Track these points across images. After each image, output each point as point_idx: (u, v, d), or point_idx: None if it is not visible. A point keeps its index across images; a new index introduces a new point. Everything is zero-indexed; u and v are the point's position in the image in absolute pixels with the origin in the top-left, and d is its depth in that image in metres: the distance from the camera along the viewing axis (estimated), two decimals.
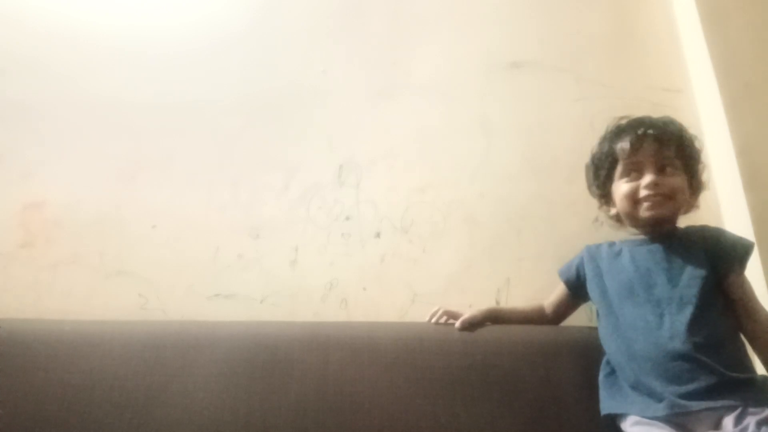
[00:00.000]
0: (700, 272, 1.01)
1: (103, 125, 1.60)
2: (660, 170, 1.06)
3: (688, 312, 0.97)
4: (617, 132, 1.13)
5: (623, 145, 1.09)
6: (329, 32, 1.69)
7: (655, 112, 1.47)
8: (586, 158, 1.25)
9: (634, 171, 1.08)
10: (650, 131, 1.07)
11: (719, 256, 1.03)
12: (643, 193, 1.06)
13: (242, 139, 1.58)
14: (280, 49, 1.67)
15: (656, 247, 1.08)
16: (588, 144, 1.25)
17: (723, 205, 1.40)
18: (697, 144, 1.12)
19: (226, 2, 1.74)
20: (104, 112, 1.61)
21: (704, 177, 1.14)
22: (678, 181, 1.06)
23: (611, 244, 1.17)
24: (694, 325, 0.96)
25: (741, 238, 1.08)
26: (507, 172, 1.50)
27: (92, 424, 1.07)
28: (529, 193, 1.48)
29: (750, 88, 1.40)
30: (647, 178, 1.05)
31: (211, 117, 1.60)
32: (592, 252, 1.18)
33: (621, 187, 1.10)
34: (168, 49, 1.69)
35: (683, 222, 1.14)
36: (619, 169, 1.11)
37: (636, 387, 0.98)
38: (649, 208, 1.06)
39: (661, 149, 1.06)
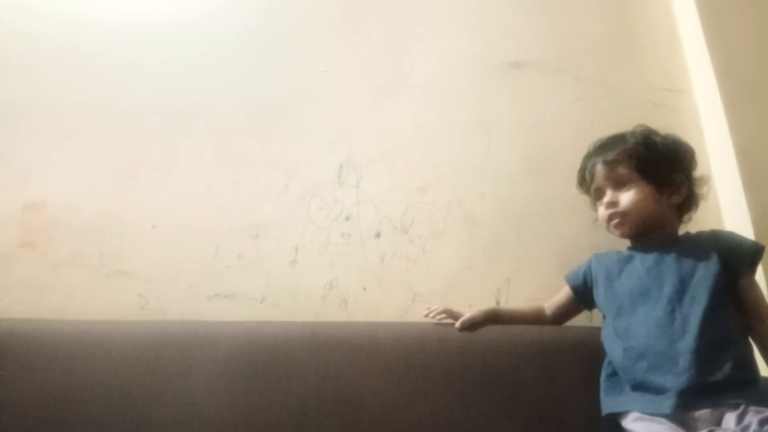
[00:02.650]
0: (711, 272, 1.02)
1: (103, 125, 1.59)
2: (617, 187, 1.14)
3: (698, 309, 0.99)
4: (581, 165, 1.23)
5: (584, 177, 1.21)
6: (329, 32, 1.69)
7: (655, 112, 1.50)
8: None
9: (600, 196, 1.18)
10: (598, 159, 1.17)
11: (731, 258, 1.05)
12: (605, 214, 1.15)
13: (242, 139, 1.58)
14: (280, 49, 1.67)
15: (667, 250, 1.09)
16: (588, 144, 1.25)
17: (723, 205, 1.40)
18: (660, 147, 1.14)
19: (225, 2, 1.74)
20: (104, 112, 1.61)
21: (682, 172, 1.15)
22: (632, 194, 1.11)
23: (620, 252, 1.18)
24: (704, 321, 0.97)
25: (753, 241, 1.10)
26: (507, 172, 1.50)
27: (92, 424, 1.07)
28: (529, 193, 1.48)
29: (750, 88, 1.40)
30: (604, 200, 1.15)
31: (211, 117, 1.60)
32: (601, 258, 1.20)
33: (597, 212, 1.20)
34: (168, 49, 1.69)
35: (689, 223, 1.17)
36: (591, 195, 1.22)
37: (639, 387, 0.98)
38: (615, 228, 1.15)
39: (612, 170, 1.14)
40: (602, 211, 1.17)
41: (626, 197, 1.12)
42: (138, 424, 1.07)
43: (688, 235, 1.15)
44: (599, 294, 1.16)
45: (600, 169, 1.16)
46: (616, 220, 1.14)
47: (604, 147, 1.19)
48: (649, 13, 1.64)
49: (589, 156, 1.21)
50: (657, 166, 1.12)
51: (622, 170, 1.13)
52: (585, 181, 1.22)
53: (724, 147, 1.37)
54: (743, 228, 1.27)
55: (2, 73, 1.65)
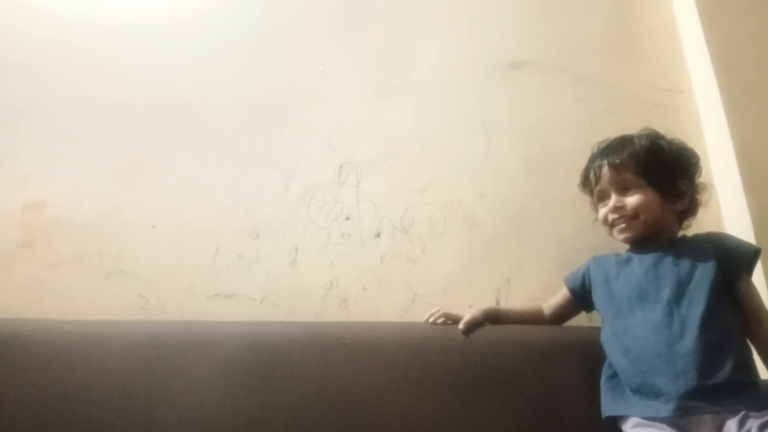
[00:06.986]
0: (709, 274, 1.02)
1: (103, 125, 1.59)
2: (622, 192, 1.14)
3: (697, 311, 0.98)
4: (586, 165, 1.23)
5: (588, 178, 1.20)
6: (329, 32, 1.69)
7: (655, 112, 1.50)
8: (585, 158, 1.25)
9: (603, 198, 1.18)
10: (604, 161, 1.16)
11: (728, 261, 1.05)
12: (610, 217, 1.15)
13: (242, 139, 1.58)
14: (280, 49, 1.67)
15: (665, 253, 1.09)
16: (588, 144, 1.25)
17: (723, 205, 1.40)
18: (667, 153, 1.15)
19: (225, 2, 1.74)
20: (104, 112, 1.61)
21: (687, 179, 1.15)
22: (639, 198, 1.11)
23: (618, 254, 1.18)
24: (703, 324, 0.97)
25: (749, 244, 1.10)
26: (507, 172, 1.50)
27: (92, 424, 1.07)
28: (529, 193, 1.48)
29: (750, 88, 1.40)
30: (610, 203, 1.15)
31: (211, 117, 1.60)
32: (600, 261, 1.20)
33: (598, 213, 1.20)
34: (168, 49, 1.69)
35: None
36: (594, 197, 1.22)
37: (639, 390, 0.98)
38: (620, 232, 1.15)
39: (618, 174, 1.14)
40: (603, 213, 1.17)
41: (633, 201, 1.11)
42: (138, 424, 1.07)
43: (685, 238, 1.16)
44: (598, 296, 1.16)
45: (606, 171, 1.15)
46: (621, 225, 1.13)
47: (610, 149, 1.18)
48: (649, 13, 1.64)
49: (595, 157, 1.20)
50: (663, 172, 1.12)
51: (628, 175, 1.13)
52: (588, 181, 1.21)
53: (724, 147, 1.37)
54: (743, 228, 1.27)
55: (2, 73, 1.65)
